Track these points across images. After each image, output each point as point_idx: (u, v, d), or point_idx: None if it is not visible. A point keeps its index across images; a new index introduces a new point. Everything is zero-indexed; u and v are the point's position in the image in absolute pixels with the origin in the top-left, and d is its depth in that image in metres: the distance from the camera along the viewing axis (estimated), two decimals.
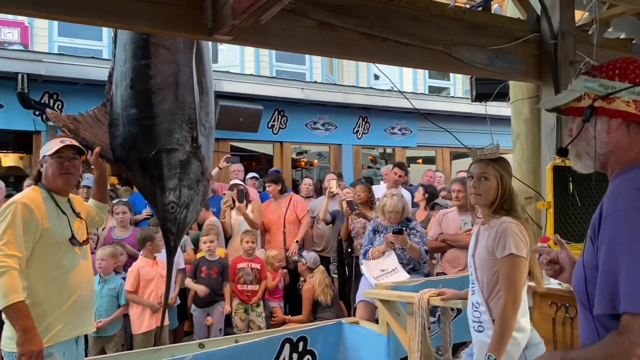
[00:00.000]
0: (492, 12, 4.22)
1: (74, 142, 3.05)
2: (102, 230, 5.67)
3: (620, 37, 5.45)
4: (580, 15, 4.57)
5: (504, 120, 6.48)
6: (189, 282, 5.39)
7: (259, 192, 7.43)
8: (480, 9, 3.99)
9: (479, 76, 4.79)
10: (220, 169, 7.19)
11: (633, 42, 5.31)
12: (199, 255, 5.70)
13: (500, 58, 3.82)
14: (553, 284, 3.56)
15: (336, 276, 6.33)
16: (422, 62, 3.51)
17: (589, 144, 1.57)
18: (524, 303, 2.78)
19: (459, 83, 15.12)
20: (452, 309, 3.88)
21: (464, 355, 3.00)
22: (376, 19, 3.22)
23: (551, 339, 3.47)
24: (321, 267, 5.78)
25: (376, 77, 14.34)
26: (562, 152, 1.71)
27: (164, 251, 4.92)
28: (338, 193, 6.16)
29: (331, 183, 6.23)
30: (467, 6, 3.81)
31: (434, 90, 15.49)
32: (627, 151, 1.54)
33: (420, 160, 13.09)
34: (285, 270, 6.13)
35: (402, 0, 3.38)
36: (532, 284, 3.33)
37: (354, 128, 10.07)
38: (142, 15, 2.45)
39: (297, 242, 6.26)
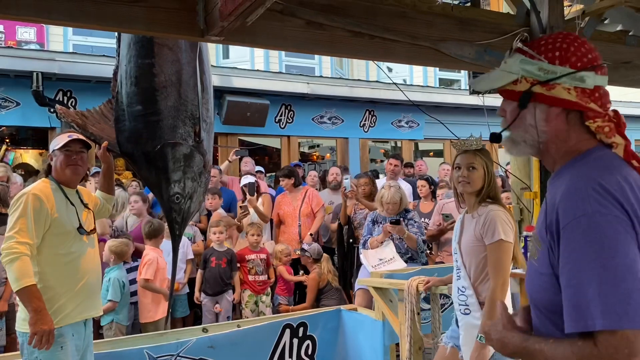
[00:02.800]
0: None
1: (81, 137, 3.24)
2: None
3: (617, 29, 5.51)
4: (574, 9, 4.66)
5: None
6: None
7: (269, 186, 7.58)
8: (468, 4, 4.09)
9: (468, 70, 4.91)
10: (230, 162, 7.39)
11: (630, 34, 5.37)
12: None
13: (488, 52, 3.93)
14: None
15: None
16: (410, 58, 3.63)
17: (526, 132, 1.46)
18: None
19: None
20: (444, 296, 4.04)
21: (444, 338, 3.14)
22: (363, 17, 3.34)
23: None
24: (326, 256, 5.91)
25: (390, 70, 14.42)
26: (495, 137, 1.59)
27: (165, 242, 5.16)
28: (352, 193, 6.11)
29: (344, 183, 6.23)
30: (456, 2, 3.91)
31: (445, 83, 15.54)
32: (566, 141, 1.43)
33: (432, 153, 13.17)
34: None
35: None
36: (517, 270, 3.48)
37: (361, 121, 10.20)
38: (138, 19, 2.62)
39: (311, 234, 6.35)
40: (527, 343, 1.37)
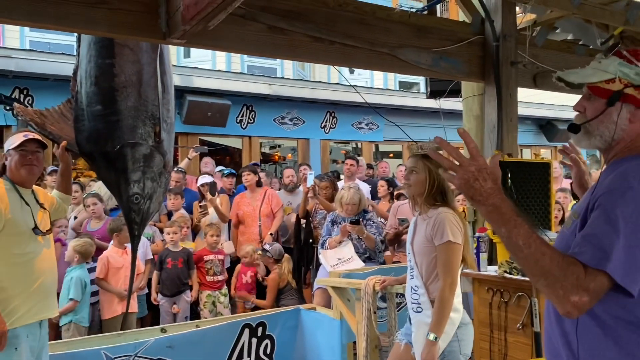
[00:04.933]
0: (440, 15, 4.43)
1: (37, 136, 3.20)
2: (74, 220, 5.87)
3: (568, 38, 5.74)
4: (527, 18, 4.84)
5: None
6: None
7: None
8: (425, 12, 4.22)
9: (425, 76, 5.05)
10: (189, 159, 7.37)
11: (580, 43, 5.61)
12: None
13: (444, 59, 4.07)
14: (490, 271, 3.85)
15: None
16: (369, 63, 3.74)
17: (607, 128, 1.58)
18: (457, 286, 3.02)
19: None
20: (400, 295, 4.14)
21: (399, 335, 3.23)
22: (324, 23, 3.43)
23: (488, 321, 3.76)
24: (287, 256, 5.95)
25: (352, 72, 14.54)
26: (573, 127, 1.68)
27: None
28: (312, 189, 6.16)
29: (308, 177, 6.28)
30: (413, 10, 4.03)
31: (405, 86, 15.75)
32: (635, 141, 1.57)
33: (392, 155, 13.36)
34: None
35: (349, 5, 3.61)
36: (468, 270, 3.61)
37: (322, 123, 10.29)
38: (100, 21, 2.64)
39: (271, 234, 6.35)
40: (519, 215, 1.44)
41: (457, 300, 2.97)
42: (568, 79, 1.70)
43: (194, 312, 5.76)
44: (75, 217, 5.93)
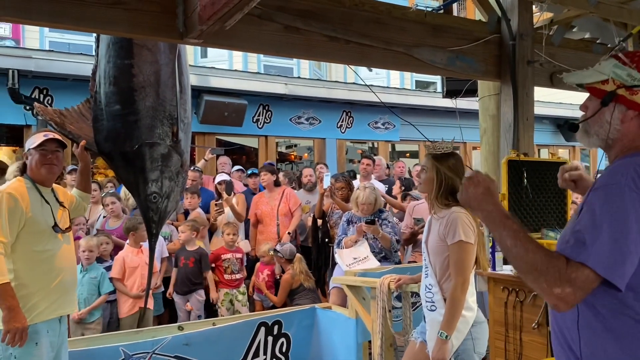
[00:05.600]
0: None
1: (57, 136, 3.25)
2: (97, 220, 5.96)
3: (585, 37, 5.69)
4: (543, 17, 4.82)
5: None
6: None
7: (245, 185, 7.63)
8: (441, 11, 4.21)
9: (441, 75, 5.04)
10: (206, 160, 7.43)
11: (597, 42, 5.55)
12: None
13: (460, 58, 4.06)
14: (505, 270, 3.84)
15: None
16: (384, 62, 3.74)
17: (601, 127, 1.64)
18: (472, 285, 3.01)
19: None
20: (415, 294, 4.14)
21: (414, 334, 3.24)
22: (339, 23, 3.44)
23: (503, 320, 3.75)
24: (299, 256, 5.96)
25: (370, 70, 14.51)
26: (572, 127, 1.75)
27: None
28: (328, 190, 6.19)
29: (324, 178, 6.29)
30: (429, 9, 4.02)
31: (421, 85, 15.70)
32: (634, 140, 1.60)
33: (408, 154, 13.34)
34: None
35: (365, 4, 3.62)
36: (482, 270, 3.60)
37: (338, 122, 10.31)
38: (118, 21, 2.68)
39: (289, 233, 6.39)
40: (509, 218, 1.56)
41: (472, 299, 2.98)
42: (567, 80, 1.77)
43: (210, 311, 5.81)
44: (104, 217, 6.02)
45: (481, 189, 1.62)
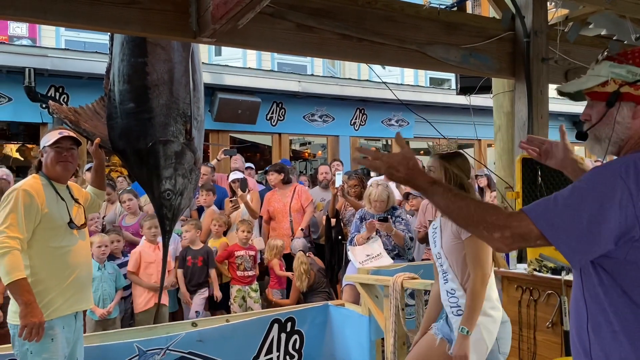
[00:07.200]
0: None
1: (72, 134, 3.28)
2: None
3: (601, 34, 5.63)
4: (558, 13, 4.78)
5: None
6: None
7: (258, 182, 7.66)
8: (455, 9, 4.19)
9: (454, 73, 5.01)
10: (218, 160, 7.47)
11: (613, 38, 5.49)
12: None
13: (474, 56, 4.04)
14: (519, 269, 3.82)
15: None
16: (397, 60, 3.73)
17: (611, 129, 1.61)
18: (493, 281, 2.92)
19: None
20: (428, 292, 4.13)
21: (434, 329, 3.17)
22: (352, 21, 3.44)
23: (517, 319, 3.73)
24: (299, 253, 5.95)
25: (383, 68, 14.48)
26: (581, 136, 1.73)
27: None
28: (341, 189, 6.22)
29: (336, 177, 6.32)
30: (442, 7, 4.01)
31: (435, 82, 15.63)
32: None
33: (422, 152, 13.30)
34: None
35: (378, 2, 3.61)
36: (496, 268, 3.57)
37: (351, 120, 10.30)
38: (132, 20, 2.70)
39: (302, 229, 6.42)
40: (435, 183, 1.69)
41: (496, 297, 2.90)
42: (565, 90, 1.78)
43: (215, 308, 5.82)
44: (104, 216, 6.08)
45: (402, 170, 1.71)
